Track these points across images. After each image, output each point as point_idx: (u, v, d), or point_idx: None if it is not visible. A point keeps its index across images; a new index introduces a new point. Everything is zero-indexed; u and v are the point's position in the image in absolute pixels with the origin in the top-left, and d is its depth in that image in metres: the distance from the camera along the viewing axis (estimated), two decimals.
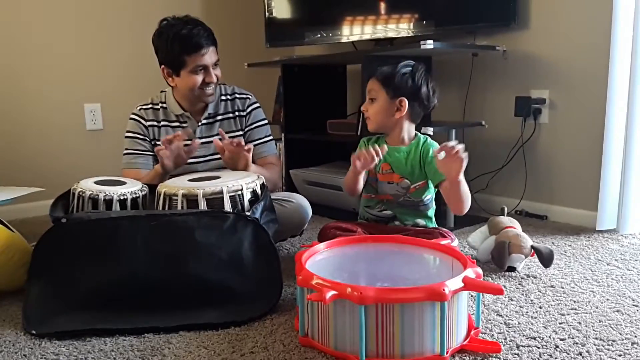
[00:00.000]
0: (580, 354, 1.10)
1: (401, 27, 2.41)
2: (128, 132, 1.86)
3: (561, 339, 1.17)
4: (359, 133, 2.36)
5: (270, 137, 1.95)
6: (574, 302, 1.37)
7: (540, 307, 1.34)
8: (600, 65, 2.00)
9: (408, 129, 1.61)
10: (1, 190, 2.09)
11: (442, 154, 1.38)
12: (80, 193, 1.50)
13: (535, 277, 1.56)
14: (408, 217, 1.63)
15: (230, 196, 1.46)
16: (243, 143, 1.65)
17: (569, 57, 2.13)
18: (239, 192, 1.48)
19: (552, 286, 1.49)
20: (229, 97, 1.91)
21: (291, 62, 2.72)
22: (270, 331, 1.24)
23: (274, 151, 1.96)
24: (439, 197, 1.68)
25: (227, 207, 1.44)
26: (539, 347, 1.14)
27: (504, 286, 1.49)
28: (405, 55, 2.04)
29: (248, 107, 1.91)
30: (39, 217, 2.40)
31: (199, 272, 1.34)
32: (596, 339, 1.17)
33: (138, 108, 1.87)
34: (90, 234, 1.36)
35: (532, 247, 1.60)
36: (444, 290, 1.03)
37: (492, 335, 1.20)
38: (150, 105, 1.87)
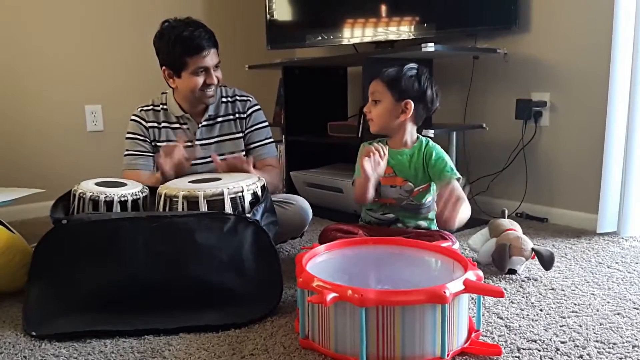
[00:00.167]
0: (581, 357, 1.10)
1: (402, 30, 2.41)
2: (129, 133, 1.86)
3: (562, 342, 1.17)
4: (359, 135, 2.36)
5: (271, 140, 1.95)
6: (575, 304, 1.37)
7: (541, 310, 1.34)
8: (601, 68, 2.00)
9: (411, 132, 1.62)
10: (2, 191, 2.09)
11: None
12: (81, 194, 1.50)
13: (536, 280, 1.56)
14: (410, 220, 1.62)
15: (230, 198, 1.46)
16: (244, 158, 1.71)
17: (570, 60, 2.14)
18: (240, 194, 1.48)
19: (552, 289, 1.49)
20: (229, 99, 1.91)
21: (292, 64, 2.72)
22: (270, 333, 1.24)
23: (274, 154, 1.96)
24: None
25: (228, 208, 1.44)
26: (539, 350, 1.13)
27: (505, 289, 1.49)
28: (406, 58, 2.04)
29: (248, 109, 1.91)
30: (39, 218, 2.40)
31: (200, 273, 1.34)
32: (597, 341, 1.17)
33: (139, 109, 1.87)
34: (90, 236, 1.36)
35: (532, 249, 1.60)
36: (444, 292, 1.03)
37: (493, 337, 1.20)
38: (150, 107, 1.87)
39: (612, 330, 1.22)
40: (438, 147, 1.61)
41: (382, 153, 1.50)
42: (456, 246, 1.48)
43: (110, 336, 1.23)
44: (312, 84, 2.77)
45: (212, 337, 1.22)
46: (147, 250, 1.34)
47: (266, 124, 1.95)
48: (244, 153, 1.89)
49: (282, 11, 2.90)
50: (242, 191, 1.48)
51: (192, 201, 1.44)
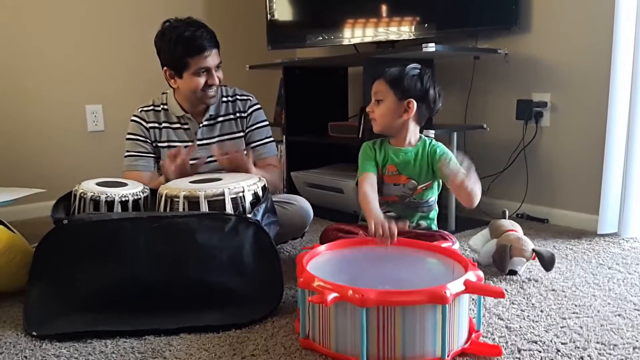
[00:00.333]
0: (582, 358, 1.10)
1: (403, 30, 2.41)
2: (129, 134, 1.86)
3: (562, 343, 1.17)
4: (360, 135, 2.36)
5: (271, 139, 1.95)
6: (576, 306, 1.37)
7: (542, 311, 1.34)
8: (601, 69, 2.00)
9: (414, 131, 1.62)
10: (2, 191, 2.09)
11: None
12: (82, 194, 1.50)
13: (536, 281, 1.56)
14: (412, 218, 1.63)
15: (231, 198, 1.46)
16: (242, 148, 1.68)
17: (571, 60, 2.14)
18: (241, 194, 1.48)
19: (553, 290, 1.48)
20: (230, 98, 1.91)
21: (293, 64, 2.72)
22: (271, 333, 1.24)
23: (274, 153, 1.96)
24: (441, 200, 1.68)
25: (229, 209, 1.44)
26: (540, 351, 1.13)
27: (505, 289, 1.49)
28: (406, 58, 2.04)
29: (249, 108, 1.91)
30: (40, 218, 2.40)
31: (200, 274, 1.34)
32: (597, 343, 1.17)
33: (139, 110, 1.87)
34: (91, 236, 1.37)
35: (533, 250, 1.59)
36: (445, 293, 1.03)
37: (493, 338, 1.20)
38: (151, 107, 1.87)
39: (612, 331, 1.22)
40: (441, 145, 1.63)
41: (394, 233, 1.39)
42: (456, 246, 1.48)
43: (111, 336, 1.23)
44: (313, 84, 2.77)
45: (212, 338, 1.22)
46: (148, 251, 1.34)
47: (266, 123, 1.95)
48: (245, 153, 1.89)
49: (283, 11, 2.90)
50: (243, 191, 1.48)
51: (193, 201, 1.44)
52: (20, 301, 1.40)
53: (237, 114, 1.90)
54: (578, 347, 1.15)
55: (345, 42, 2.62)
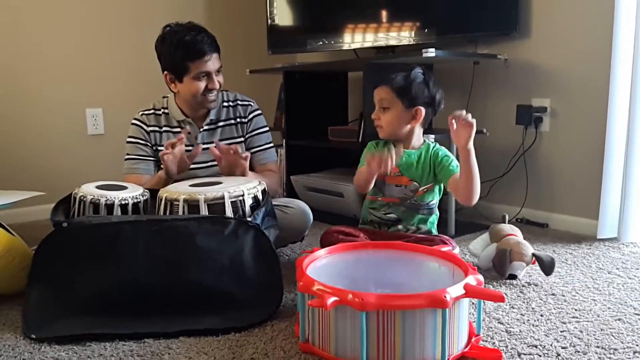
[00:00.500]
0: None
1: (403, 35, 2.42)
2: (130, 137, 1.86)
3: (562, 347, 1.17)
4: (360, 140, 2.37)
5: (271, 145, 1.95)
6: (575, 310, 1.37)
7: (542, 315, 1.34)
8: (601, 74, 2.01)
9: (419, 135, 1.64)
10: (2, 194, 2.09)
11: (454, 123, 1.43)
12: (82, 197, 1.50)
13: (536, 285, 1.56)
14: (412, 221, 1.63)
15: (231, 202, 1.46)
16: (240, 151, 1.66)
17: (570, 65, 2.14)
18: (241, 198, 1.48)
19: (553, 294, 1.48)
20: (230, 103, 1.91)
21: (293, 69, 2.73)
22: (270, 337, 1.24)
23: (274, 158, 1.96)
24: (441, 205, 1.68)
25: (229, 212, 1.44)
26: (540, 356, 1.13)
27: (505, 294, 1.49)
28: (406, 63, 2.05)
29: (249, 114, 1.91)
30: (39, 221, 2.40)
31: (200, 277, 1.34)
32: (597, 347, 1.17)
33: (140, 113, 1.88)
34: (91, 239, 1.36)
35: (533, 254, 1.59)
36: (445, 297, 1.03)
37: (493, 342, 1.20)
38: (152, 111, 1.88)
39: (612, 336, 1.22)
40: (443, 148, 1.64)
41: (392, 156, 1.48)
42: (456, 251, 1.48)
43: (110, 339, 1.23)
44: (313, 88, 2.77)
45: (212, 341, 1.22)
46: (147, 254, 1.34)
47: (267, 128, 1.95)
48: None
49: (283, 16, 2.91)
50: (243, 195, 1.48)
51: (192, 205, 1.44)
52: (19, 304, 1.39)
53: (238, 119, 1.90)
54: (578, 352, 1.15)
55: (346, 47, 2.63)
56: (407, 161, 1.61)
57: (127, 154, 1.86)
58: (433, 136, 1.98)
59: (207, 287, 1.33)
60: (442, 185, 1.64)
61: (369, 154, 1.50)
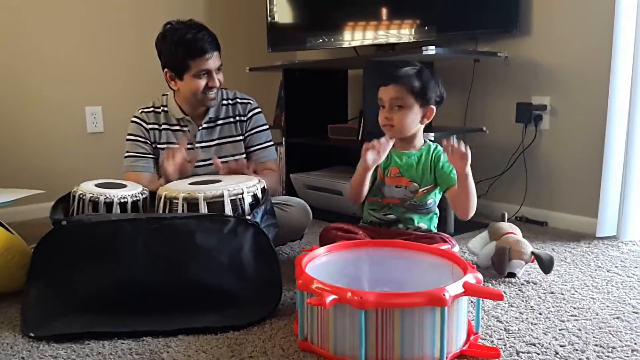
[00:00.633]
0: None
1: (403, 33, 2.41)
2: (129, 135, 1.86)
3: (561, 346, 1.17)
4: (359, 138, 2.36)
5: (271, 143, 1.95)
6: (574, 308, 1.37)
7: (540, 314, 1.34)
8: (601, 72, 2.00)
9: (420, 134, 1.64)
10: (1, 192, 2.09)
11: (450, 150, 1.43)
12: (81, 195, 1.50)
13: (535, 284, 1.56)
14: (412, 220, 1.63)
15: (231, 200, 1.46)
16: (245, 163, 1.74)
17: (570, 63, 2.14)
18: (240, 196, 1.48)
19: (552, 292, 1.48)
20: (230, 101, 1.91)
21: (293, 67, 2.73)
22: (269, 335, 1.24)
23: (273, 157, 1.96)
24: (441, 203, 1.68)
25: (228, 210, 1.44)
26: (538, 354, 1.13)
27: (504, 292, 1.49)
28: (407, 61, 2.04)
29: (249, 112, 1.91)
30: (39, 219, 2.40)
31: (199, 275, 1.34)
32: (596, 345, 1.17)
33: (139, 111, 1.87)
34: (90, 237, 1.36)
35: (532, 253, 1.59)
36: (444, 295, 1.03)
37: (492, 341, 1.20)
38: (151, 109, 1.88)
39: (611, 334, 1.22)
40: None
41: (384, 144, 1.50)
42: (456, 249, 1.48)
43: (109, 338, 1.23)
44: (313, 86, 2.77)
45: (211, 339, 1.22)
46: (146, 252, 1.34)
47: (266, 127, 1.95)
48: (244, 157, 1.89)
49: (283, 14, 2.91)
50: (242, 193, 1.48)
51: (192, 203, 1.44)
52: (18, 302, 1.39)
53: (237, 117, 1.90)
54: (576, 350, 1.15)
55: (346, 44, 2.62)
56: (407, 162, 1.61)
57: (127, 152, 1.86)
58: (432, 134, 1.99)
59: (206, 286, 1.34)
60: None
61: (365, 145, 1.51)
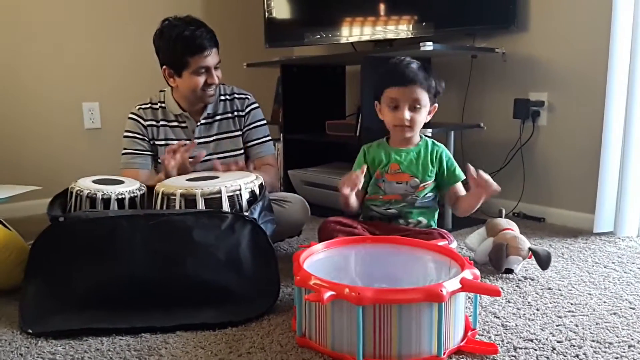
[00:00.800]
0: (577, 357, 1.10)
1: (400, 29, 2.41)
2: (127, 131, 1.86)
3: (558, 341, 1.17)
4: (357, 134, 2.36)
5: (269, 138, 1.95)
6: (571, 304, 1.38)
7: (538, 309, 1.35)
8: (599, 68, 2.00)
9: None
10: None
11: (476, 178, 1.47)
12: (78, 192, 1.50)
13: (532, 279, 1.56)
14: (413, 215, 1.63)
15: (228, 196, 1.45)
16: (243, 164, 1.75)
17: (568, 60, 2.14)
18: (238, 192, 1.47)
19: (549, 288, 1.49)
20: (228, 97, 1.90)
21: (290, 63, 2.72)
22: (267, 331, 1.24)
23: (271, 152, 1.96)
24: (439, 199, 1.69)
25: (226, 207, 1.44)
26: (535, 349, 1.14)
27: (502, 288, 1.49)
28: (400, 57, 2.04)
29: (247, 107, 1.91)
30: (36, 215, 2.39)
31: (197, 272, 1.34)
32: (593, 341, 1.17)
33: (137, 107, 1.87)
34: (87, 233, 1.36)
35: (529, 249, 1.60)
36: (441, 291, 1.03)
37: (489, 337, 1.20)
38: (149, 105, 1.87)
39: (608, 330, 1.23)
40: (442, 146, 1.65)
41: (358, 177, 1.49)
42: (453, 245, 1.48)
43: (107, 334, 1.23)
44: (311, 82, 2.76)
45: (209, 335, 1.22)
46: (144, 248, 1.34)
47: (264, 122, 1.95)
48: (243, 152, 1.89)
49: (281, 9, 2.90)
50: (240, 189, 1.48)
51: (189, 199, 1.44)
52: (16, 299, 1.39)
53: (235, 113, 1.90)
54: (573, 346, 1.15)
55: (343, 40, 2.62)
56: (407, 158, 1.61)
57: (124, 149, 1.85)
58: (430, 130, 1.98)
59: (204, 282, 1.34)
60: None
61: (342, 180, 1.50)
